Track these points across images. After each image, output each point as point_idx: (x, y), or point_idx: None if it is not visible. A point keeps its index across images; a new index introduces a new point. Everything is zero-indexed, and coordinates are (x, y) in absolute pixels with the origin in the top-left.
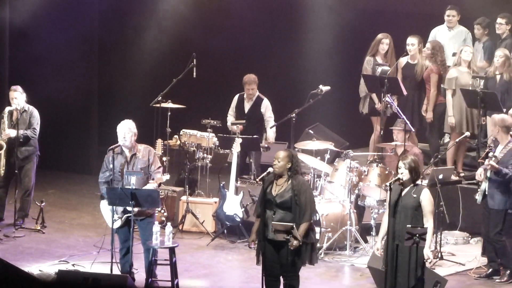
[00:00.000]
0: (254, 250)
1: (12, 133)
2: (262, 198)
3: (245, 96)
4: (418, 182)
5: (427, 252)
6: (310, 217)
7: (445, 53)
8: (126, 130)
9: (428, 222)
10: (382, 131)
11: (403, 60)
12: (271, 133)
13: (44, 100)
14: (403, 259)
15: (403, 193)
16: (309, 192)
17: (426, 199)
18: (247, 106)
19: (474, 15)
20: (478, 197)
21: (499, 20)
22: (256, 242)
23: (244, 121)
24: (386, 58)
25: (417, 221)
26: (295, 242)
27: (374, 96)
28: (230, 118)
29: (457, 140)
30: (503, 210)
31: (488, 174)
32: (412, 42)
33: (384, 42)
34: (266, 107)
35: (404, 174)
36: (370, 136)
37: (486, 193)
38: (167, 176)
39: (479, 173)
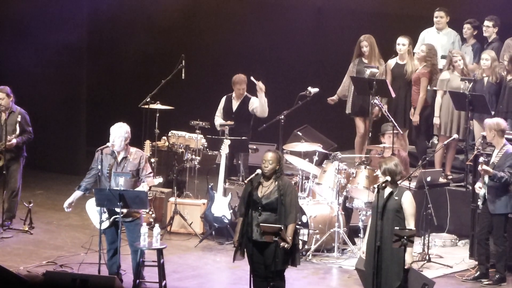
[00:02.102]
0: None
1: (14, 140)
2: (245, 198)
3: (233, 96)
4: (404, 184)
5: (408, 259)
6: (296, 218)
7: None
8: (117, 134)
9: (409, 226)
10: (370, 133)
11: (391, 62)
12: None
13: (32, 101)
14: (386, 261)
15: (385, 196)
16: (295, 194)
17: (408, 201)
18: (235, 105)
19: (462, 17)
20: (479, 203)
21: (486, 22)
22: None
23: (232, 123)
24: (369, 59)
25: (398, 223)
26: (286, 245)
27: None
28: (218, 119)
29: (445, 142)
30: (504, 214)
31: (486, 179)
32: (402, 42)
33: (363, 45)
34: (254, 103)
35: (381, 178)
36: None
37: (486, 198)
38: (159, 179)
39: (477, 187)
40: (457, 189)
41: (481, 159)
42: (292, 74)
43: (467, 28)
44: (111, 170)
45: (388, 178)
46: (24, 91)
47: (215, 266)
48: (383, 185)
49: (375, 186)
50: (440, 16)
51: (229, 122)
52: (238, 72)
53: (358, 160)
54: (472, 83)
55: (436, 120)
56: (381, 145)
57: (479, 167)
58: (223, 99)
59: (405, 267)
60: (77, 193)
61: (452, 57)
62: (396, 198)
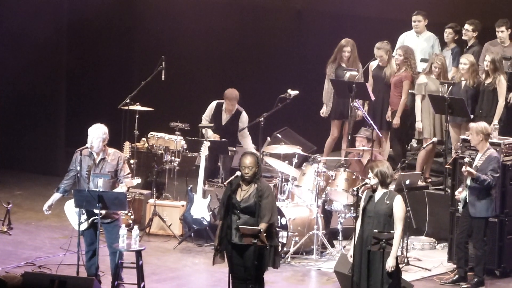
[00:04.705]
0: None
1: None
2: (225, 201)
3: (224, 108)
4: (391, 188)
5: (390, 262)
6: (268, 220)
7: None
8: (95, 136)
9: (397, 230)
10: (350, 136)
11: (373, 64)
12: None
13: (11, 100)
14: (376, 265)
15: (376, 200)
16: (272, 197)
17: (398, 205)
18: (224, 118)
19: (443, 21)
20: (459, 206)
21: (466, 26)
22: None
23: (212, 125)
24: (349, 63)
25: (389, 227)
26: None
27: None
28: (205, 122)
29: (425, 145)
30: (484, 218)
31: (468, 182)
32: (381, 47)
33: (346, 50)
34: (244, 122)
35: (372, 180)
36: (339, 141)
37: (467, 201)
38: (138, 180)
39: (457, 192)
40: (436, 192)
41: (466, 159)
42: (272, 76)
43: (448, 33)
44: (90, 171)
45: (373, 182)
46: (2, 89)
47: (194, 268)
48: (374, 187)
49: (354, 188)
50: (418, 20)
51: (209, 124)
52: (218, 74)
53: (336, 162)
54: (450, 87)
55: (418, 124)
56: (360, 148)
57: (463, 168)
58: (213, 105)
59: (387, 270)
60: (56, 195)
61: (433, 62)
62: (388, 202)
